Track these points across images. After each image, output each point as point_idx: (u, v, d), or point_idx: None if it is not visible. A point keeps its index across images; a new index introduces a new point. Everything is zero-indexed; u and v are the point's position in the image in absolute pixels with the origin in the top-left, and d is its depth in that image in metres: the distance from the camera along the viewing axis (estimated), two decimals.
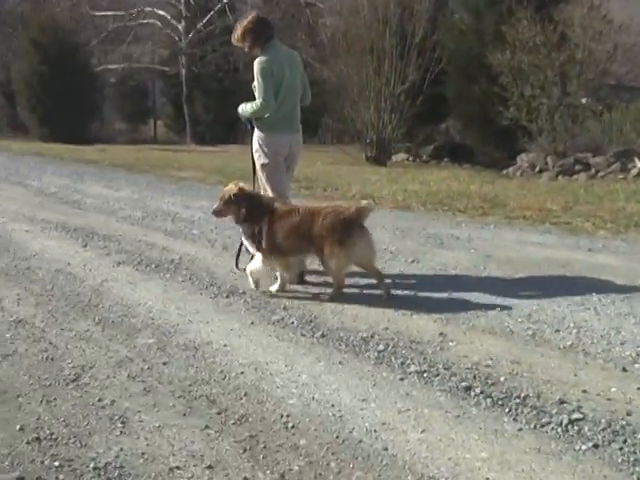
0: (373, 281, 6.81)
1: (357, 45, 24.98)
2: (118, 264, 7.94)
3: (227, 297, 6.59)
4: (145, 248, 8.64)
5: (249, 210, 6.59)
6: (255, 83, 6.90)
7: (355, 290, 6.74)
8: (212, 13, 38.03)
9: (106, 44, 42.07)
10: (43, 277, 7.52)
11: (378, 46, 24.41)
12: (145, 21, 40.43)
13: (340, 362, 5.02)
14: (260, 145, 7.15)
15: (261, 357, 5.15)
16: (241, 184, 6.82)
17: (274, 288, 6.79)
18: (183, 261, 7.91)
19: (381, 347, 5.26)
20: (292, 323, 5.86)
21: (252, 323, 5.88)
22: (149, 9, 40.03)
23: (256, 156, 7.21)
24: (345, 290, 6.64)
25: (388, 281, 6.76)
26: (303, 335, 5.59)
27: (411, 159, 28.05)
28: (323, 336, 5.55)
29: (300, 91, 7.31)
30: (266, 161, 7.12)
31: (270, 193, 7.11)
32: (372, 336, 5.49)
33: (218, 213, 6.88)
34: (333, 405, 4.38)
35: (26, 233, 9.58)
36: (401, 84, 24.45)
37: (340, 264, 6.42)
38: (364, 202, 6.76)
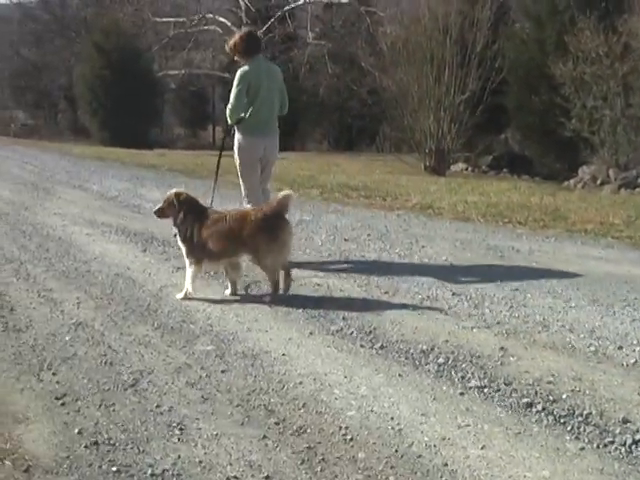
0: (433, 293, 6.79)
1: (417, 54, 24.92)
2: (177, 270, 7.95)
3: (286, 306, 6.56)
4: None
5: (185, 214, 6.99)
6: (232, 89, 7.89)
7: (415, 302, 6.64)
8: (272, 21, 38.14)
9: (167, 50, 42.54)
10: (103, 281, 7.58)
11: (438, 55, 24.34)
12: (206, 27, 40.71)
13: (400, 375, 4.97)
14: (239, 145, 8.11)
15: (320, 367, 5.11)
16: (181, 190, 7.37)
17: (227, 292, 7.06)
18: (243, 268, 7.85)
19: (441, 360, 5.18)
20: (351, 334, 5.80)
21: (311, 333, 5.84)
22: (210, 16, 40.35)
23: (235, 155, 8.22)
24: (405, 301, 6.61)
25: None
26: (362, 346, 5.53)
27: (470, 169, 27.89)
28: (382, 348, 5.48)
29: (277, 102, 8.19)
30: (242, 160, 8.13)
31: (244, 187, 8.21)
32: (432, 349, 5.41)
33: (160, 212, 7.32)
34: (392, 418, 4.33)
35: (86, 236, 9.66)
36: (461, 94, 24.34)
37: (276, 259, 6.76)
38: (283, 192, 6.83)
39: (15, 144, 29.43)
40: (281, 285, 6.85)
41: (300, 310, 6.44)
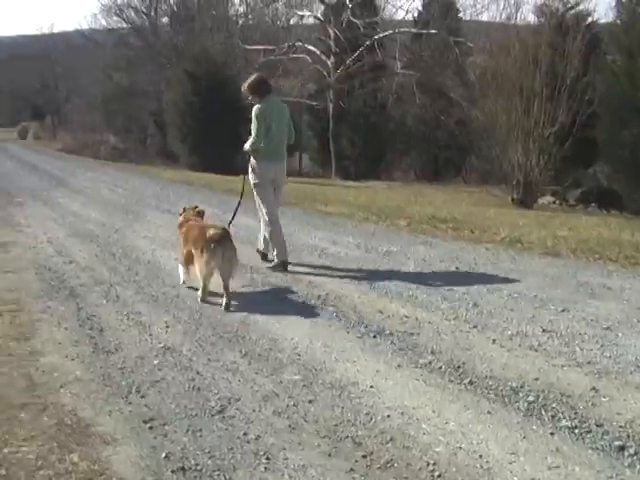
0: (523, 329, 6.70)
1: (506, 85, 24.68)
2: (263, 296, 8.06)
3: (374, 337, 6.53)
4: (292, 282, 8.66)
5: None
6: (252, 124, 9.26)
7: (504, 337, 6.54)
8: (361, 49, 38.27)
9: None
10: (191, 305, 7.69)
11: (528, 86, 24.05)
12: (295, 56, 41.04)
13: (489, 412, 4.92)
14: (253, 170, 9.52)
15: (408, 401, 5.09)
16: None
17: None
18: (329, 298, 7.86)
19: (531, 398, 5.11)
20: (440, 368, 5.76)
21: (399, 365, 5.81)
22: (299, 44, 40.62)
23: (251, 177, 9.59)
24: (494, 337, 6.53)
25: None
26: (451, 381, 5.49)
27: (557, 203, 27.51)
28: (471, 383, 5.43)
29: (286, 134, 9.62)
30: (257, 181, 9.49)
31: (261, 205, 9.59)
32: (522, 386, 5.33)
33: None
34: (481, 456, 4.29)
35: (175, 261, 9.74)
36: (550, 126, 24.01)
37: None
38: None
39: (105, 167, 29.96)
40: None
41: (388, 342, 6.41)
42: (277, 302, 7.83)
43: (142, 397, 5.25)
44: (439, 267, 9.46)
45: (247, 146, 9.41)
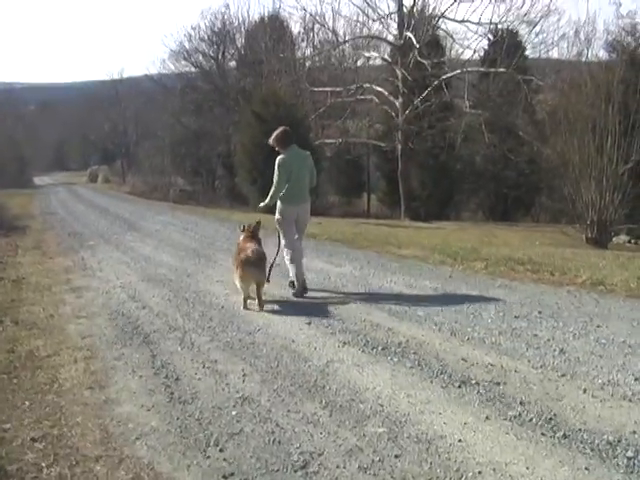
0: (614, 378, 6.44)
1: (578, 122, 24.34)
2: (343, 344, 7.80)
3: (459, 387, 6.32)
4: (370, 329, 8.44)
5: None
6: (274, 173, 10.36)
7: (595, 386, 6.27)
8: (429, 90, 38.17)
9: (324, 119, 43.00)
10: (268, 353, 7.54)
11: (600, 124, 23.69)
12: (363, 97, 41.09)
13: (586, 468, 4.69)
14: (279, 210, 10.56)
15: (499, 456, 4.87)
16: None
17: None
18: (410, 344, 7.65)
19: (630, 454, 4.86)
20: (530, 420, 5.52)
21: (487, 417, 5.60)
22: (367, 85, 40.58)
23: (276, 216, 10.63)
24: (585, 386, 6.26)
25: None
26: (543, 434, 5.25)
27: (632, 242, 26.94)
28: (565, 437, 5.19)
29: (307, 179, 10.62)
30: (279, 217, 10.59)
31: (282, 238, 10.79)
32: (619, 440, 5.08)
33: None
34: None
35: (248, 306, 9.70)
36: (624, 163, 23.58)
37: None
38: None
39: (175, 210, 30.12)
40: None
41: (474, 392, 6.19)
42: (357, 350, 7.60)
43: (221, 451, 5.14)
44: (520, 312, 9.16)
45: (266, 201, 10.53)
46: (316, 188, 11.62)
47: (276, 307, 9.75)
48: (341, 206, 49.11)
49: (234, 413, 5.85)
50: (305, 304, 9.92)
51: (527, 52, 40.47)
